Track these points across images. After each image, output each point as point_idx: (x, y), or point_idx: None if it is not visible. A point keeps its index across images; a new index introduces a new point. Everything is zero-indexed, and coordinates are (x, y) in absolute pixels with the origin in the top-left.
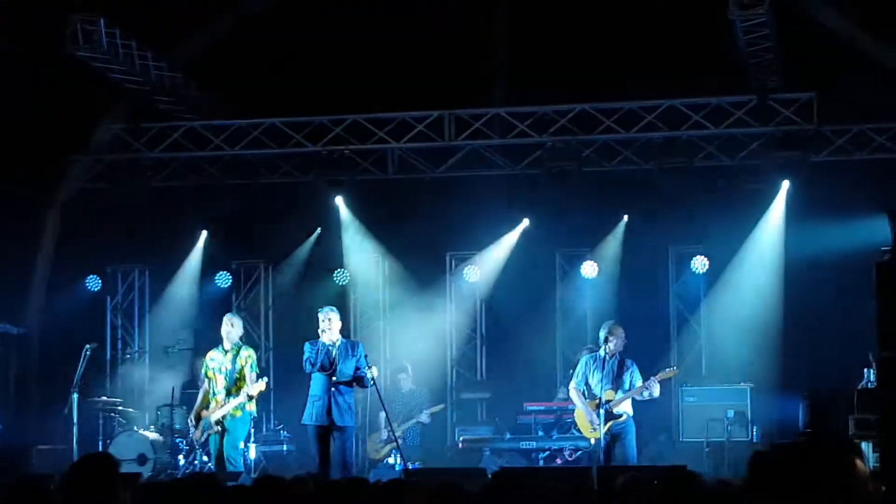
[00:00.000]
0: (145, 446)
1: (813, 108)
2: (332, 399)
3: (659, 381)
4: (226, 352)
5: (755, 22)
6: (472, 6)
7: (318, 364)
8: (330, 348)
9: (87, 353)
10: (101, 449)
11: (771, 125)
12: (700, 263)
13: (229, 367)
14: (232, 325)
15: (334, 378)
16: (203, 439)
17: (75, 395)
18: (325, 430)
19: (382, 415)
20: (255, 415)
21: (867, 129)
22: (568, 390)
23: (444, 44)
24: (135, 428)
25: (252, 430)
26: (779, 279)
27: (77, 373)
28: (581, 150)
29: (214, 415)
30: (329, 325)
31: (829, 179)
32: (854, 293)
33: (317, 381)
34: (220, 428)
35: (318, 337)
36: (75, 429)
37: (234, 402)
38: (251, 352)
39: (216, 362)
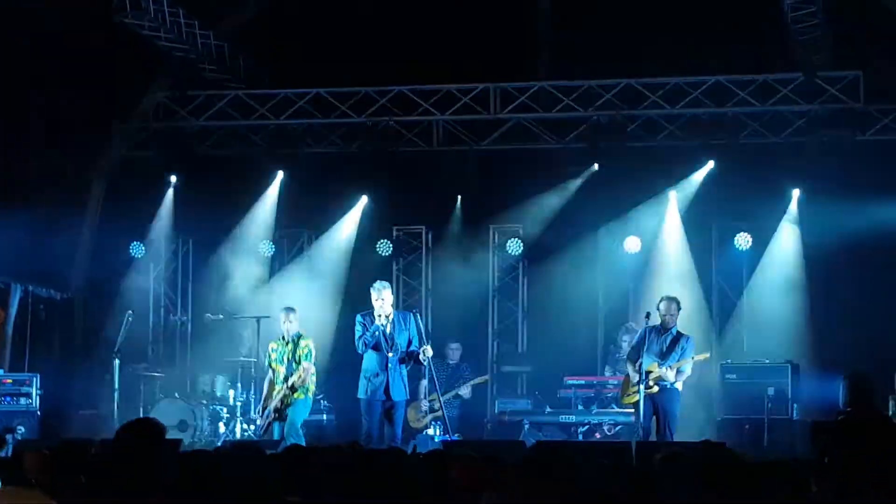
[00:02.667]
0: (186, 413)
1: (859, 86)
2: (390, 375)
3: (692, 362)
4: (286, 342)
5: None
6: None
7: (373, 344)
8: (385, 326)
9: (129, 319)
10: (141, 414)
11: (817, 103)
12: (744, 240)
13: (290, 356)
14: (291, 320)
15: (390, 354)
16: (265, 426)
17: (117, 361)
18: (381, 405)
19: (424, 383)
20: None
21: None
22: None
23: (489, 15)
24: (175, 395)
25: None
26: (822, 257)
27: (119, 339)
28: (626, 125)
29: (273, 403)
30: (382, 303)
31: (876, 158)
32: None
33: (371, 358)
34: (277, 415)
35: (371, 310)
36: (116, 394)
37: (283, 391)
38: (309, 341)
39: (277, 353)
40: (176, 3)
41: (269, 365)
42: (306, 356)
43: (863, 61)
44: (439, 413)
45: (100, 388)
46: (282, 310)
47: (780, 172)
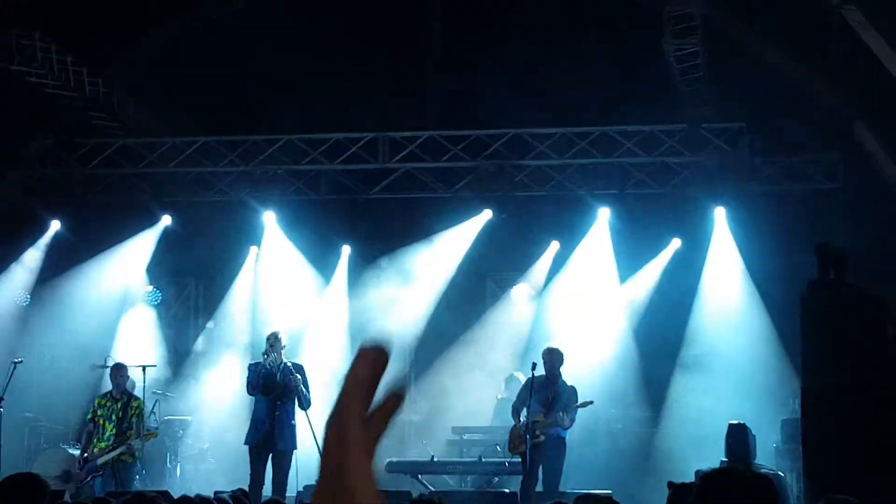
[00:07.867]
0: (70, 463)
1: (744, 138)
2: (276, 422)
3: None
4: (115, 400)
5: (688, 51)
6: (405, 29)
7: (261, 387)
8: (274, 371)
9: (14, 367)
10: (25, 465)
11: (702, 154)
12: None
13: (120, 415)
14: (121, 375)
15: (278, 402)
16: (88, 481)
17: (0, 411)
18: (267, 453)
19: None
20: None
21: (797, 161)
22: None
23: (378, 65)
24: (59, 444)
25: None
26: (707, 308)
27: (3, 387)
28: (514, 175)
29: (101, 459)
30: (272, 349)
31: (759, 210)
32: (782, 323)
33: (259, 404)
34: (101, 473)
35: (262, 358)
36: None
37: (119, 450)
38: (140, 402)
39: (105, 409)
40: (64, 50)
41: (92, 419)
42: (138, 416)
43: (747, 114)
44: None
45: None
46: (115, 365)
47: (665, 221)
